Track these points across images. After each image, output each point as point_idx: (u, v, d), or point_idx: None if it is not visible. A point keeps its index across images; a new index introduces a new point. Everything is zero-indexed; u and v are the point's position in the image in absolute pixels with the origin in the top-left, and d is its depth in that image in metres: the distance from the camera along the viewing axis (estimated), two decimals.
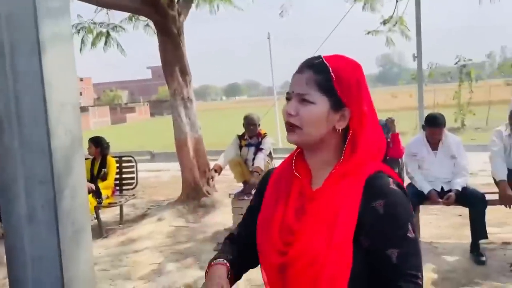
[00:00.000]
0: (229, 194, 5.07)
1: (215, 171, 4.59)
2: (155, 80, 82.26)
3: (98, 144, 5.54)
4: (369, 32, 9.18)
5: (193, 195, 6.17)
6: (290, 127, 1.01)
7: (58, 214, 1.62)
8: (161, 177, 9.55)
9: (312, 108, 0.98)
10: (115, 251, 4.66)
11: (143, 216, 5.95)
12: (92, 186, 5.25)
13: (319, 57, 1.02)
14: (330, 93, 0.98)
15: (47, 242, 1.62)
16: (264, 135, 4.79)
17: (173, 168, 9.99)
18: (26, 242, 1.60)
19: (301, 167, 1.07)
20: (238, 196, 4.88)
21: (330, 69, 0.98)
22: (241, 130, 4.91)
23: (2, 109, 1.59)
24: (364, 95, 1.01)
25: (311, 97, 0.98)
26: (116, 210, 5.97)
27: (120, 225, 5.63)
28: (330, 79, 0.98)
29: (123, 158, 6.08)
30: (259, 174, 4.46)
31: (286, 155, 1.15)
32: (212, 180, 4.52)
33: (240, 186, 4.99)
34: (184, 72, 6.42)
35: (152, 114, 50.59)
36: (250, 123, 4.74)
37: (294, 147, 1.11)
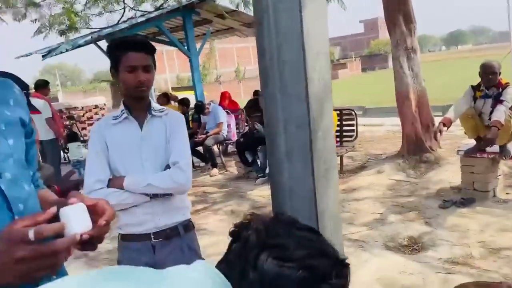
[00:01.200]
0: (458, 151, 4.67)
1: (444, 125, 4.26)
2: (368, 34, 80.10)
3: None
4: None
5: (414, 150, 5.93)
6: None
7: (313, 154, 1.79)
8: (375, 132, 9.48)
9: None
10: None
11: (361, 168, 6.10)
12: None
13: None
14: None
15: (303, 178, 1.82)
16: (506, 85, 4.15)
17: (387, 123, 9.77)
18: (286, 178, 1.83)
19: None
20: (469, 153, 4.46)
21: None
22: (463, 83, 4.39)
23: (268, 62, 1.82)
24: None
25: None
26: (337, 159, 6.27)
27: (341, 174, 5.92)
28: None
29: (344, 111, 6.28)
30: (498, 129, 3.93)
31: None
32: (440, 135, 4.22)
33: (469, 142, 4.53)
34: (408, 20, 6.04)
35: (363, 70, 49.88)
36: (488, 71, 4.17)
37: None
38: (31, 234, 0.76)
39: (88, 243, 0.87)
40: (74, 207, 0.84)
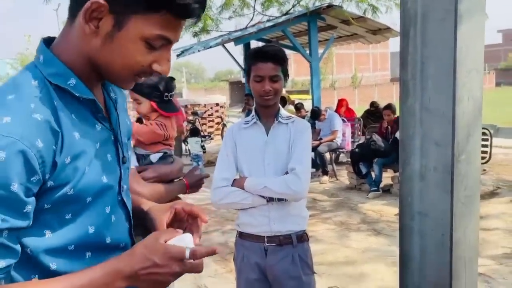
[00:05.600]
0: None
1: None
2: (506, 44, 71.90)
3: None
4: None
5: None
6: None
7: (453, 178, 1.67)
8: (510, 155, 8.44)
9: None
10: None
11: (492, 194, 5.48)
12: None
13: None
14: None
15: (438, 203, 1.71)
16: None
17: None
18: (417, 199, 1.73)
19: None
20: None
21: None
22: None
23: (410, 74, 1.74)
24: None
25: None
26: None
27: None
28: None
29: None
30: None
31: None
32: None
33: None
34: None
35: (497, 84, 44.84)
36: None
37: None
38: (187, 254, 0.83)
39: None
40: (185, 235, 0.90)
